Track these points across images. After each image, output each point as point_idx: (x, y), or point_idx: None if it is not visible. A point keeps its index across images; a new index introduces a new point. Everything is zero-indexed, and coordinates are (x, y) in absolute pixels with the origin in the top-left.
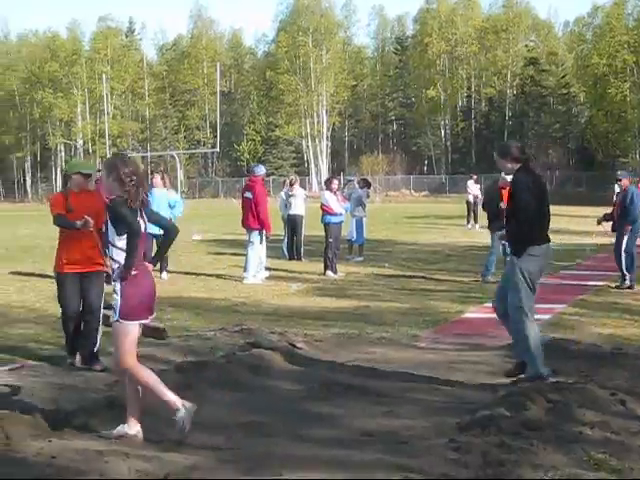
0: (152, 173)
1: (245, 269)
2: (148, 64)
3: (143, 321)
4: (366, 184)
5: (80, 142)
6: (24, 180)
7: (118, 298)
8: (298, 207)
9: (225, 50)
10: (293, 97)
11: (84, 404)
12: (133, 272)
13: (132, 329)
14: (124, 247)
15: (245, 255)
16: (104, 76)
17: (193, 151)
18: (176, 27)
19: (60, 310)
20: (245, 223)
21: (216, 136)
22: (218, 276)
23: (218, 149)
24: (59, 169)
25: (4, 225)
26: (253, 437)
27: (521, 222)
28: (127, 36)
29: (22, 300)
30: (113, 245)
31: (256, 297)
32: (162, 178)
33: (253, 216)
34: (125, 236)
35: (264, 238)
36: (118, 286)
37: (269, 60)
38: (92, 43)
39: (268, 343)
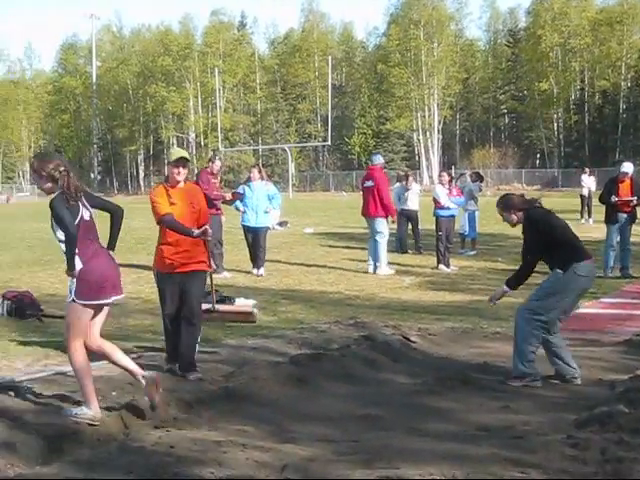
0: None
1: (376, 259)
2: (259, 58)
3: (96, 302)
4: (478, 177)
5: (192, 135)
6: (137, 173)
7: (74, 280)
8: (412, 201)
9: (336, 43)
10: (404, 90)
11: (201, 395)
12: (80, 261)
13: (83, 310)
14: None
15: (369, 246)
16: (216, 70)
17: (304, 144)
18: (287, 21)
19: (161, 312)
20: (366, 212)
21: (327, 129)
22: (331, 269)
23: (329, 142)
24: None
25: None
26: (369, 430)
27: (562, 243)
28: (239, 30)
29: (137, 291)
30: (61, 242)
31: (369, 290)
32: (259, 172)
33: (375, 203)
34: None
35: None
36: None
37: (380, 53)
38: (204, 37)
39: (382, 336)
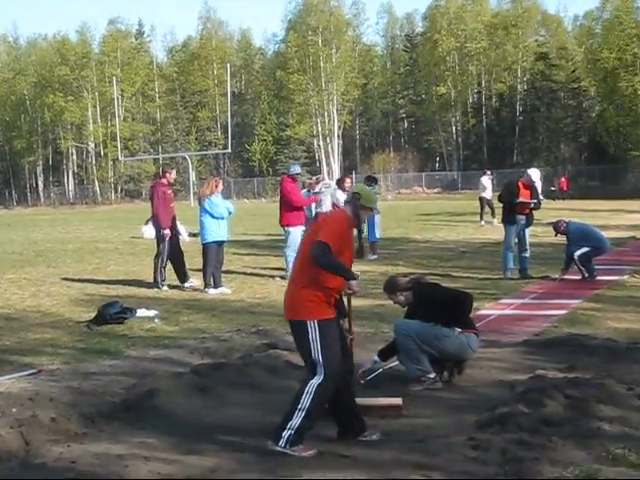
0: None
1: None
2: (158, 66)
3: None
4: (372, 180)
5: (92, 145)
6: (36, 184)
7: None
8: (326, 206)
9: (235, 51)
10: (303, 96)
11: (102, 408)
12: None
13: None
14: None
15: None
16: (114, 79)
17: (204, 152)
18: (185, 28)
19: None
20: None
21: (227, 137)
22: (233, 277)
23: (230, 150)
24: (71, 172)
25: (18, 229)
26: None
27: (452, 314)
28: (137, 38)
29: (37, 305)
30: None
31: (272, 298)
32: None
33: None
34: None
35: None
36: None
37: (279, 60)
38: (102, 46)
39: (284, 344)
